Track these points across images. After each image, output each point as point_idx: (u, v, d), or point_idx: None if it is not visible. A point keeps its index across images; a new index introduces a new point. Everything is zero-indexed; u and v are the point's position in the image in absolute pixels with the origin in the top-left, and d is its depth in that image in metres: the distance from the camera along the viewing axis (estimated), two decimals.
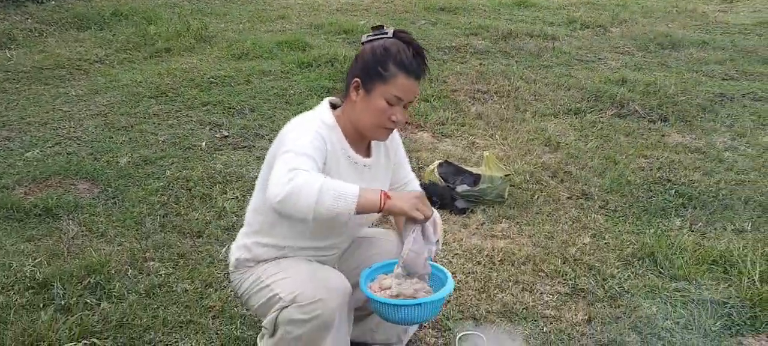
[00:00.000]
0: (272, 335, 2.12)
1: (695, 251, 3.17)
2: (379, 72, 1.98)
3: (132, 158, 4.03)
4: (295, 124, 2.03)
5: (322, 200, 1.75)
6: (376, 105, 1.99)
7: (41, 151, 4.12)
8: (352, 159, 2.08)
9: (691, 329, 2.65)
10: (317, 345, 2.06)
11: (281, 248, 2.11)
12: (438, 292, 2.01)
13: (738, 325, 2.69)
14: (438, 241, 2.07)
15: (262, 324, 2.15)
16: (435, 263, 2.20)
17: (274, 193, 1.78)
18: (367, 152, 2.16)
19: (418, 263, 2.00)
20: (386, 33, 2.05)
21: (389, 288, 2.06)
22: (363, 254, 2.30)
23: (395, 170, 2.31)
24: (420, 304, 1.96)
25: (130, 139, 4.35)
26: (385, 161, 2.24)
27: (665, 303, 2.81)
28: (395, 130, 2.27)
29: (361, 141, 2.13)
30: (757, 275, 2.94)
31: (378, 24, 2.14)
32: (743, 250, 3.16)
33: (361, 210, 1.81)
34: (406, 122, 4.77)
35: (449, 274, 2.09)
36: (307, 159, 1.86)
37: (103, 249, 3.06)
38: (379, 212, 1.86)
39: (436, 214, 2.08)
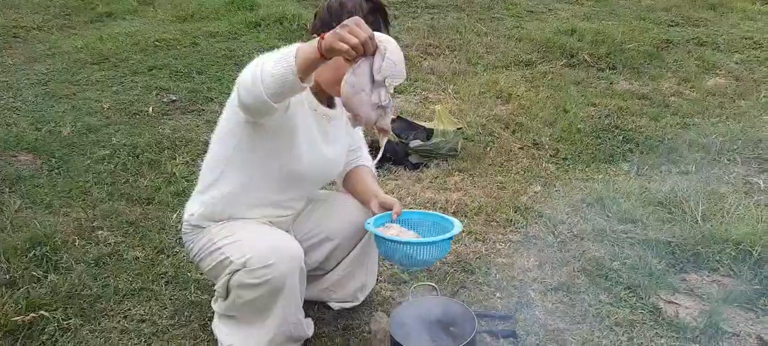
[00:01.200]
0: (225, 298, 2.11)
1: (641, 193, 3.27)
2: (333, 27, 1.93)
3: (75, 127, 3.90)
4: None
5: (265, 70, 1.66)
6: (335, 61, 1.94)
7: None
8: (312, 105, 2.05)
9: (637, 268, 2.73)
10: (269, 308, 2.06)
11: (236, 198, 2.06)
12: (449, 232, 2.00)
13: (681, 262, 2.79)
14: (386, 80, 1.65)
15: (215, 288, 2.13)
16: (437, 213, 2.22)
17: (235, 101, 1.78)
18: (329, 104, 2.14)
19: (356, 102, 1.64)
20: None
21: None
22: (317, 218, 2.29)
23: (350, 133, 2.30)
24: (451, 238, 1.95)
25: (73, 107, 4.20)
26: (345, 121, 2.21)
27: (612, 245, 2.89)
28: None
29: (323, 95, 2.10)
30: (700, 214, 3.04)
31: None
32: (687, 191, 3.26)
33: (303, 64, 1.63)
34: None
35: (452, 218, 2.09)
36: None
37: (49, 221, 2.97)
38: (322, 58, 1.62)
39: (390, 46, 1.68)
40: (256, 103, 1.72)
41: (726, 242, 2.83)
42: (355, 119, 1.70)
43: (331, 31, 1.62)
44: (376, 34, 1.67)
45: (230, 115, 2.02)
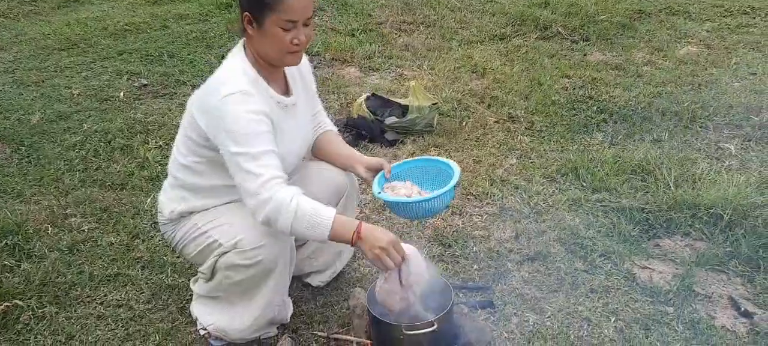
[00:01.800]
0: (209, 279, 2.09)
1: (615, 162, 3.29)
2: (263, 1, 1.87)
3: (45, 114, 3.83)
4: (226, 105, 1.85)
5: (296, 227, 1.84)
6: (273, 35, 1.89)
7: None
8: (281, 103, 2.03)
9: (612, 235, 2.76)
10: (258, 288, 2.06)
11: (217, 191, 2.05)
12: (447, 173, 2.12)
13: (655, 228, 2.82)
14: (412, 286, 1.99)
15: (200, 269, 2.11)
16: (422, 157, 2.34)
17: (252, 211, 1.86)
18: (285, 88, 2.11)
19: (390, 301, 2.01)
20: None
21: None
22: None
23: (311, 102, 2.28)
24: (458, 182, 2.07)
25: (42, 94, 4.13)
26: (304, 95, 2.20)
27: (587, 214, 2.92)
28: (306, 62, 2.23)
29: (277, 73, 2.06)
30: (672, 181, 3.08)
31: None
32: (660, 158, 3.30)
33: (333, 240, 1.88)
34: (333, 58, 4.72)
35: (441, 159, 2.20)
36: (266, 157, 1.85)
37: (20, 209, 2.93)
38: (351, 244, 1.90)
39: (415, 260, 1.98)
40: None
41: (698, 207, 2.87)
42: (386, 309, 2.06)
43: (369, 244, 1.87)
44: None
45: (190, 122, 1.98)
